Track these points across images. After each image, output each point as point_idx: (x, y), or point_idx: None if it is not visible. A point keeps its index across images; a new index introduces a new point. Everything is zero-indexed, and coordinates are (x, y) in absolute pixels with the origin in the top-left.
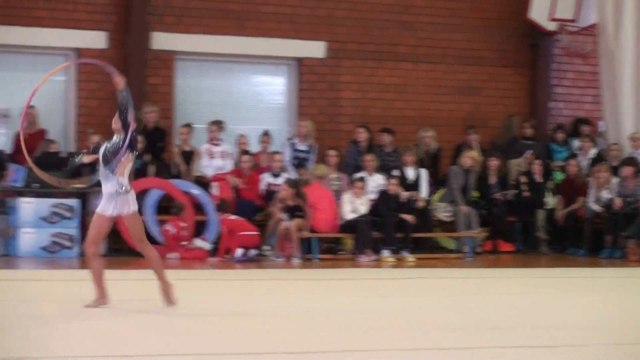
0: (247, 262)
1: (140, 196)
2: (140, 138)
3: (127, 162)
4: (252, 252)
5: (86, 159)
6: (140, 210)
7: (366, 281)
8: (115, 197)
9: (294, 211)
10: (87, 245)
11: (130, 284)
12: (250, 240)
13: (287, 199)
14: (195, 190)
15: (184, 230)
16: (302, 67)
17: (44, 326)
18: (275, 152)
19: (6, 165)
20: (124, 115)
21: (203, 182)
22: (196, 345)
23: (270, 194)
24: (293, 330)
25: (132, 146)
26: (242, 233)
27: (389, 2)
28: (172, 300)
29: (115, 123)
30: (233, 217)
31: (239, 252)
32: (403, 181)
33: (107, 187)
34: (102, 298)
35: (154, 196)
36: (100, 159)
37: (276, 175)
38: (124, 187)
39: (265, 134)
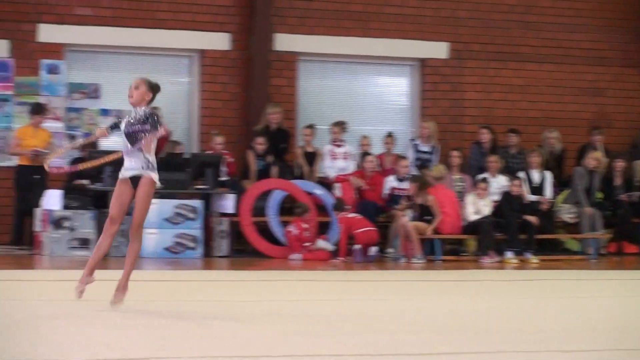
0: (368, 261)
1: (263, 197)
2: (259, 139)
3: (152, 140)
4: (374, 249)
5: (98, 131)
6: (262, 211)
7: (489, 282)
8: (143, 172)
9: (423, 214)
10: (109, 223)
11: (256, 285)
12: (368, 237)
13: (413, 195)
14: (318, 191)
15: (306, 231)
16: (425, 67)
17: (163, 325)
18: (402, 157)
19: None
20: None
21: (326, 183)
22: (318, 347)
23: (393, 198)
24: (411, 331)
25: (155, 125)
26: (359, 230)
27: (512, 3)
28: (119, 300)
29: (131, 97)
30: (350, 215)
31: (357, 247)
32: (528, 183)
33: (132, 164)
34: (89, 276)
35: (276, 197)
36: (124, 135)
37: (401, 180)
38: (150, 164)
39: (389, 135)
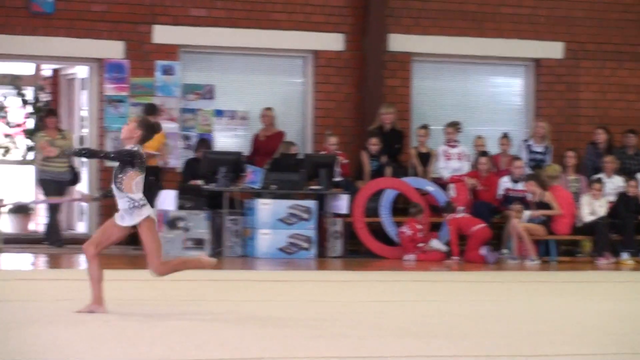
0: (494, 261)
1: (377, 198)
2: (373, 140)
3: (132, 178)
4: (495, 252)
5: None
6: (376, 211)
7: (605, 284)
8: (130, 212)
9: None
10: (88, 245)
11: (369, 285)
12: (484, 234)
13: (533, 193)
14: (430, 188)
15: (420, 231)
16: (539, 68)
17: (276, 325)
18: (516, 158)
19: (244, 167)
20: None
21: (440, 184)
22: (432, 348)
23: (508, 199)
24: (524, 332)
25: (131, 163)
26: (474, 228)
27: (629, 2)
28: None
29: (122, 133)
30: (459, 215)
31: (483, 250)
32: None
33: (120, 204)
34: (96, 304)
35: (389, 196)
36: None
37: (516, 181)
38: (136, 202)
39: (505, 136)
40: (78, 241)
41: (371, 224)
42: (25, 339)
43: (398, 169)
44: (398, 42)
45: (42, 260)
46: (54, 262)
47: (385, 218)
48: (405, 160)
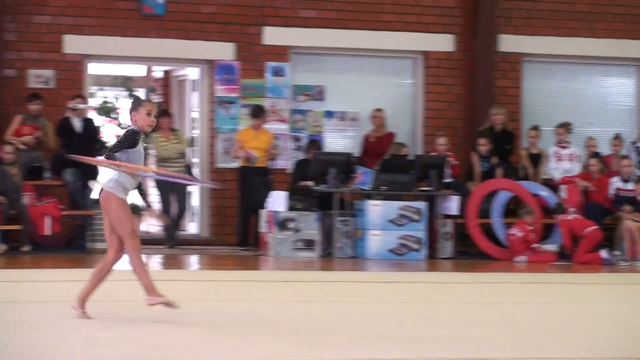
0: (611, 264)
1: (487, 199)
2: (484, 140)
3: None
4: (607, 254)
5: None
6: (486, 213)
7: None
8: None
9: None
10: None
11: (479, 287)
12: (595, 237)
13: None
14: (544, 192)
15: (531, 233)
16: None
17: (383, 325)
18: (624, 157)
19: (354, 168)
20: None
21: (551, 185)
22: (541, 350)
23: (619, 199)
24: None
25: None
26: (588, 230)
27: None
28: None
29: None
30: (570, 217)
31: (604, 253)
32: None
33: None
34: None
35: (502, 198)
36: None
37: (626, 181)
38: None
39: (617, 137)
40: (189, 242)
41: (481, 225)
42: (133, 339)
43: (509, 170)
44: (508, 43)
45: (154, 260)
46: (167, 263)
47: (497, 220)
48: (515, 162)
